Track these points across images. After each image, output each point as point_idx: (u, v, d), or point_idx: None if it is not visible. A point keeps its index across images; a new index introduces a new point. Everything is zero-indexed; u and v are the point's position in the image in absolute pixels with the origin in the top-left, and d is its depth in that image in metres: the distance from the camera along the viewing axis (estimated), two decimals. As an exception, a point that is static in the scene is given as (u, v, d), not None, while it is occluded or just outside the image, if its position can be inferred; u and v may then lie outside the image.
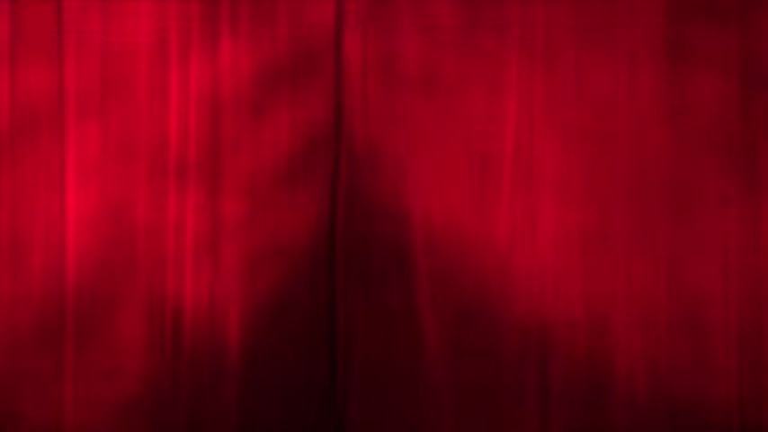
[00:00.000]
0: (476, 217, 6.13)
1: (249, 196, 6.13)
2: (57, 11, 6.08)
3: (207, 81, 6.13)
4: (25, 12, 6.07)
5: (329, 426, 6.13)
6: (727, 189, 6.08)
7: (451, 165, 6.16)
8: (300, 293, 6.11)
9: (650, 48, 6.09)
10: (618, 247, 6.08)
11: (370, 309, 6.13)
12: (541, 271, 6.10)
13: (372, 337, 6.12)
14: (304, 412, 6.14)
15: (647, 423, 6.02)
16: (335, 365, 6.16)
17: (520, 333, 6.07)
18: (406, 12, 6.17)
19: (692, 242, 6.08)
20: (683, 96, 6.07)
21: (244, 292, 6.13)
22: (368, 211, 6.16)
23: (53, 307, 6.04)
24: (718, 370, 6.00)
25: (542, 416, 6.08)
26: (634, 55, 6.09)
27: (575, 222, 6.11)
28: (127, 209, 6.09)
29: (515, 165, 6.15)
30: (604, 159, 6.11)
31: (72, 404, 6.03)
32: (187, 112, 6.12)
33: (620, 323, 6.05)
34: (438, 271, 6.10)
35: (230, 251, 6.12)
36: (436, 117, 6.16)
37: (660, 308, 6.04)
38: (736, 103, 6.07)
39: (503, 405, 6.06)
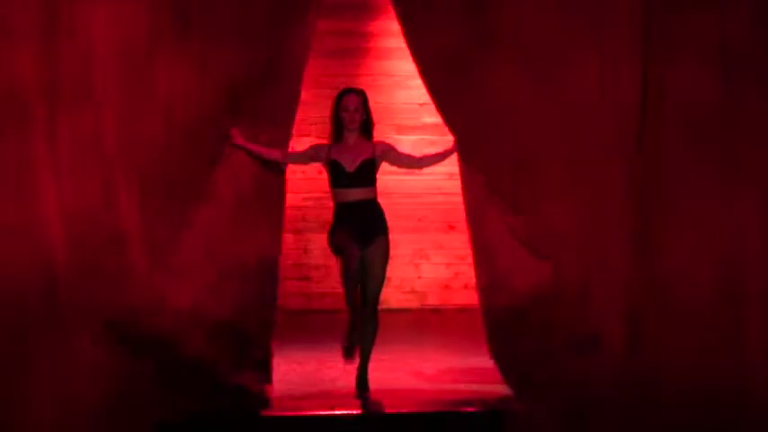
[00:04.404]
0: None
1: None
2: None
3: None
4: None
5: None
6: (707, 176, 6.17)
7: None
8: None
9: (629, 37, 6.16)
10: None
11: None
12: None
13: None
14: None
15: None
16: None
17: None
18: None
19: (667, 229, 6.19)
20: (663, 85, 6.16)
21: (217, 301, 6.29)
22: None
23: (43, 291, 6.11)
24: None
25: None
26: (613, 45, 6.17)
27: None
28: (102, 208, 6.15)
29: None
30: (584, 145, 6.23)
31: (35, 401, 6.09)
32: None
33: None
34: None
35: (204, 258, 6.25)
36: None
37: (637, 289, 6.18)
38: (714, 90, 6.14)
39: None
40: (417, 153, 6.89)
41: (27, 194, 6.08)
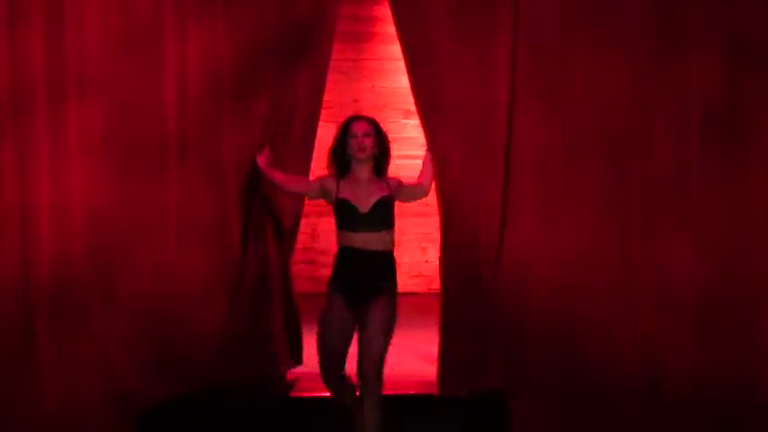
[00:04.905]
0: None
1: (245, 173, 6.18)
2: None
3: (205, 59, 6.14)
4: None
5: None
6: (715, 165, 6.14)
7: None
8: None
9: (639, 28, 6.12)
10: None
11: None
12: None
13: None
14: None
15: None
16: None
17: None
18: None
19: (669, 216, 6.16)
20: (672, 76, 6.12)
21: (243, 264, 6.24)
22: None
23: (61, 275, 6.15)
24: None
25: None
26: (622, 35, 6.13)
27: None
28: (129, 185, 6.16)
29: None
30: (592, 134, 6.17)
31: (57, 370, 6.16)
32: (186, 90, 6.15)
33: (589, 287, 6.15)
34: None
35: (231, 229, 6.21)
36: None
37: (632, 275, 6.14)
38: (724, 81, 6.12)
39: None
40: (413, 180, 6.02)
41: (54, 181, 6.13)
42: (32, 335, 6.14)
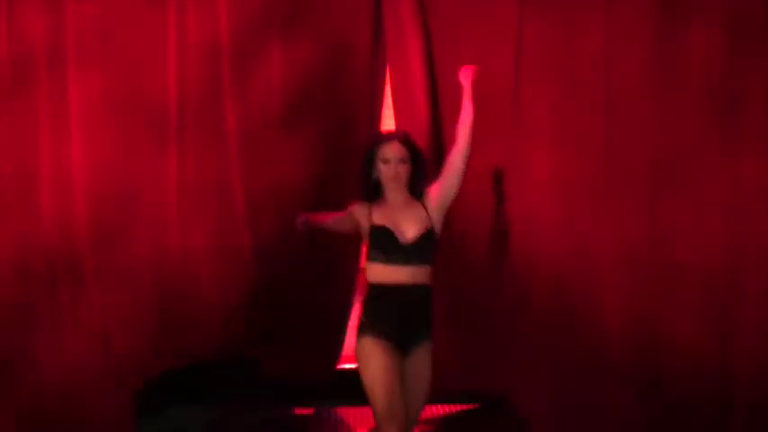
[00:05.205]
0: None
1: (246, 142, 6.14)
2: None
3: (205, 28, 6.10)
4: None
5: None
6: (712, 137, 6.11)
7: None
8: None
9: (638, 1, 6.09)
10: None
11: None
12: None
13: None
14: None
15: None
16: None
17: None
18: None
19: (672, 187, 6.13)
20: (671, 48, 6.11)
21: (249, 234, 6.19)
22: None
23: (61, 246, 6.13)
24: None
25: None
26: (622, 8, 6.11)
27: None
28: (130, 156, 6.13)
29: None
30: (590, 107, 6.13)
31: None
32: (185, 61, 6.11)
33: (600, 261, 6.11)
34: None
35: (232, 198, 6.17)
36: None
37: (639, 249, 6.10)
38: (722, 54, 6.09)
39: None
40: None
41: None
42: (31, 306, 6.11)
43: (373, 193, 4.92)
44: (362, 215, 4.84)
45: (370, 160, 4.90)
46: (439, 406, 6.45)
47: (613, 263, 6.14)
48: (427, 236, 4.80)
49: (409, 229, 4.79)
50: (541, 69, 6.14)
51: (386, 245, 4.74)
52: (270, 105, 6.16)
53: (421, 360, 4.76)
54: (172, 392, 6.22)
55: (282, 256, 6.18)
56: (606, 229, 6.15)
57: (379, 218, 4.81)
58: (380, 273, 4.76)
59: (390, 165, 4.85)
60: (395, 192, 4.89)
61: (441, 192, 4.94)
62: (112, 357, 6.16)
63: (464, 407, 6.43)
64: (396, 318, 4.72)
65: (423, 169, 4.95)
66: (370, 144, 4.97)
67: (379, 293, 4.76)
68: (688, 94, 6.14)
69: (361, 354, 4.72)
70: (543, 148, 6.16)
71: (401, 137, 4.93)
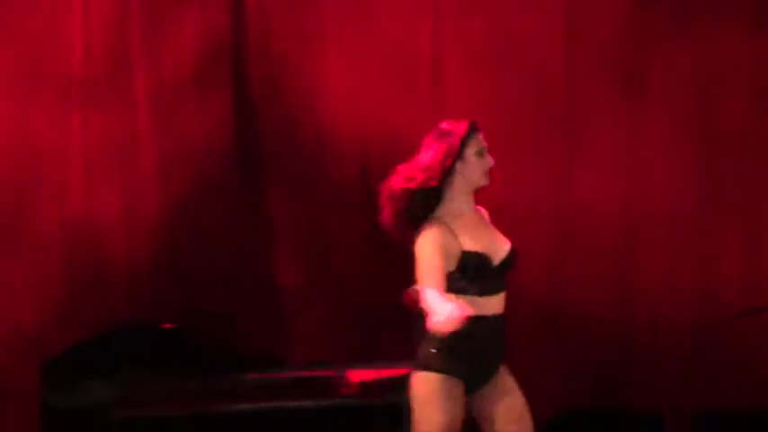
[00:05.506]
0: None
1: (157, 105, 6.11)
2: None
3: None
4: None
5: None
6: (617, 102, 6.25)
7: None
8: (212, 196, 6.12)
9: None
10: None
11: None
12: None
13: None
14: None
15: None
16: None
17: None
18: None
19: (583, 153, 6.24)
20: (578, 18, 6.27)
21: (158, 198, 6.10)
22: (284, 116, 6.14)
23: None
24: None
25: None
26: None
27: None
28: (34, 123, 6.04)
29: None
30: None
31: None
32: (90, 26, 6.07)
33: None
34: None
35: (143, 159, 6.10)
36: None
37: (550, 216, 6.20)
38: (627, 20, 6.26)
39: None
40: None
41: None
42: None
43: (433, 205, 3.83)
44: (451, 244, 3.78)
45: (457, 150, 3.81)
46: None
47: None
48: (512, 258, 3.92)
49: (500, 248, 3.88)
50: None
51: (481, 273, 3.79)
52: (182, 64, 6.17)
53: (518, 393, 3.92)
54: (80, 365, 5.88)
55: (195, 219, 6.10)
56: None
57: (468, 240, 3.80)
58: (470, 305, 3.71)
59: (486, 157, 3.87)
60: (470, 198, 3.92)
61: None
62: (17, 329, 5.99)
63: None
64: (480, 354, 3.85)
65: None
66: (465, 131, 3.85)
67: (464, 330, 3.62)
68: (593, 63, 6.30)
69: (426, 388, 3.81)
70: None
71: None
